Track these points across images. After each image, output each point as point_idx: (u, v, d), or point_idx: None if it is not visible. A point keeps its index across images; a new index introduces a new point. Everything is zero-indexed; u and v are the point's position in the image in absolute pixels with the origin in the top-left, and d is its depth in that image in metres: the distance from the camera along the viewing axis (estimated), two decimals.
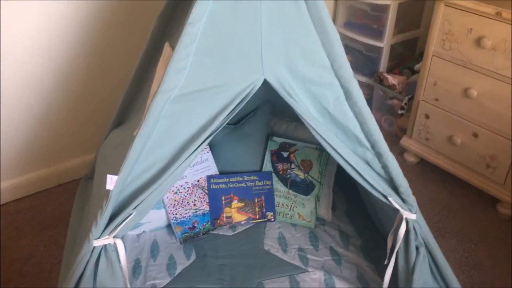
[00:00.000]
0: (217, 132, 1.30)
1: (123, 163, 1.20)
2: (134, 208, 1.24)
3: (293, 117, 2.08)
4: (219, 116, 1.27)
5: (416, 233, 1.37)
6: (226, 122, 1.30)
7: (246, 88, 1.27)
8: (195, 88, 1.24)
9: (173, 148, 1.27)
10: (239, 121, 2.06)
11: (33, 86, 2.06)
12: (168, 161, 1.27)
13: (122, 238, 1.30)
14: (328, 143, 1.33)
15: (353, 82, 1.29)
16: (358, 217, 1.97)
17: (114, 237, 1.25)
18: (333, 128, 1.34)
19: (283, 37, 1.25)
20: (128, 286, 1.31)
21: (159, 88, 1.21)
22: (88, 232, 1.22)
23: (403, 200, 1.37)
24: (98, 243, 1.22)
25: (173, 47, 1.23)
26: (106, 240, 1.23)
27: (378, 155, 1.34)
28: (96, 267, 1.24)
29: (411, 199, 1.37)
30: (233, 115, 1.29)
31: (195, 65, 1.22)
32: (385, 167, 1.35)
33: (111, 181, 1.19)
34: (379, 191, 1.36)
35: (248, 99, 1.28)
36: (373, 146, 1.34)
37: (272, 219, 1.94)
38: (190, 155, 1.27)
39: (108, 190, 1.20)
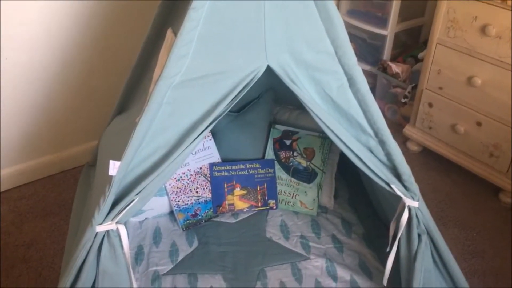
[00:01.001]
0: (219, 118, 1.29)
1: (126, 149, 1.20)
2: (137, 194, 1.24)
3: (296, 105, 2.08)
4: (222, 102, 1.26)
5: (418, 220, 1.37)
6: (228, 109, 1.30)
7: (249, 75, 1.26)
8: (197, 74, 1.24)
9: (175, 135, 1.27)
10: (242, 108, 2.05)
11: (36, 73, 2.05)
12: (171, 147, 1.26)
13: (125, 224, 1.30)
14: (332, 130, 1.32)
15: (357, 69, 1.28)
16: (361, 205, 1.97)
17: (117, 222, 1.25)
18: (336, 115, 1.33)
19: (287, 24, 1.24)
20: (131, 271, 1.32)
21: (161, 74, 1.20)
22: (91, 217, 1.23)
23: (406, 188, 1.36)
24: (100, 228, 1.22)
25: (175, 33, 1.22)
26: (108, 225, 1.23)
27: (382, 143, 1.34)
28: (99, 253, 1.25)
29: (414, 186, 1.36)
30: (236, 101, 1.29)
31: (197, 51, 1.21)
32: (388, 154, 1.35)
33: (114, 167, 1.19)
34: (382, 179, 1.36)
35: (251, 85, 1.28)
36: (376, 134, 1.34)
37: (274, 207, 1.94)
38: (193, 141, 1.26)
39: (111, 176, 1.20)
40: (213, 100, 1.27)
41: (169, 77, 1.20)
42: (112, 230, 1.24)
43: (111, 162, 1.19)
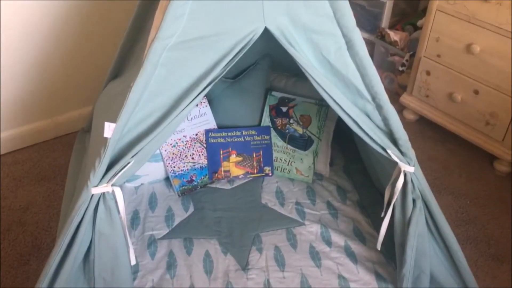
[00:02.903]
0: (215, 81, 1.28)
1: (121, 110, 1.19)
2: (132, 156, 1.24)
3: (292, 72, 2.06)
4: (218, 65, 1.24)
5: (413, 185, 1.37)
6: (225, 72, 1.28)
7: (246, 37, 1.24)
8: (194, 36, 1.21)
9: (171, 97, 1.25)
10: (238, 75, 2.03)
11: (31, 37, 2.02)
12: (167, 110, 1.25)
13: (120, 189, 1.30)
14: (329, 94, 1.31)
15: (355, 32, 1.26)
16: (356, 173, 1.98)
17: (113, 185, 1.25)
18: (333, 80, 1.32)
19: None
20: (127, 233, 1.32)
21: (156, 35, 1.18)
22: (87, 180, 1.22)
23: (402, 153, 1.36)
24: (96, 190, 1.22)
25: None
26: (104, 188, 1.23)
27: (379, 107, 1.33)
28: (95, 215, 1.25)
29: (410, 152, 1.36)
30: (232, 64, 1.27)
31: (194, 12, 1.18)
32: (385, 119, 1.34)
33: (109, 129, 1.18)
34: (378, 144, 1.36)
35: (248, 48, 1.26)
36: (373, 98, 1.33)
37: (270, 174, 1.94)
38: (189, 104, 1.25)
39: (106, 138, 1.19)
40: (210, 63, 1.25)
41: (165, 38, 1.18)
42: (107, 192, 1.24)
43: (106, 124, 1.18)
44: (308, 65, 1.28)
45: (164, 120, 1.25)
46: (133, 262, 1.40)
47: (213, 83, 1.27)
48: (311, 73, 1.28)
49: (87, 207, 1.23)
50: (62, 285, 1.26)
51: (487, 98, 2.05)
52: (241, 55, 1.26)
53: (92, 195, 1.22)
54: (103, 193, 1.24)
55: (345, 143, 2.09)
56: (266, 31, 1.25)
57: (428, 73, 2.24)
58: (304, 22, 1.25)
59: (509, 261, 1.75)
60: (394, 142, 1.36)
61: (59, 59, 2.14)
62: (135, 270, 1.57)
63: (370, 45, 2.69)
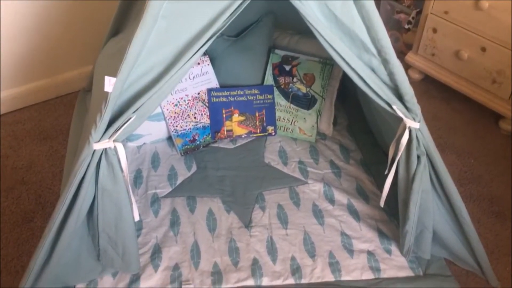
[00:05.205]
0: (217, 35, 1.25)
1: (121, 64, 1.16)
2: (134, 112, 1.22)
3: (296, 30, 2.02)
4: (220, 17, 1.21)
5: (418, 142, 1.36)
6: (227, 25, 1.24)
7: None
8: None
9: (172, 51, 1.22)
10: (241, 33, 1.99)
11: None
12: (168, 64, 1.23)
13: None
14: (334, 48, 1.28)
15: None
16: (359, 132, 1.97)
17: (114, 141, 1.24)
18: (339, 33, 1.29)
19: None
20: (130, 189, 1.32)
21: None
22: (88, 136, 1.21)
23: (407, 109, 1.34)
24: (98, 146, 1.21)
25: None
26: (106, 143, 1.22)
27: (385, 62, 1.30)
28: (97, 171, 1.24)
29: (416, 107, 1.34)
30: (235, 17, 1.23)
31: None
32: (391, 74, 1.31)
33: (109, 83, 1.15)
34: (383, 99, 1.33)
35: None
36: (379, 52, 1.30)
37: (273, 133, 1.93)
38: (190, 59, 1.22)
39: (107, 94, 1.17)
40: (211, 15, 1.21)
41: None
42: (109, 148, 1.23)
43: (107, 78, 1.16)
44: (314, 19, 1.24)
45: (165, 75, 1.22)
46: (136, 218, 1.40)
47: (214, 37, 1.23)
48: (316, 26, 1.25)
49: (90, 162, 1.22)
50: (67, 240, 1.27)
51: (495, 55, 2.01)
52: (243, 7, 1.22)
53: (94, 150, 1.21)
54: (105, 149, 1.23)
55: (349, 103, 2.07)
56: None
57: (434, 30, 2.19)
58: None
59: None
60: (400, 97, 1.34)
61: (59, 17, 2.09)
62: (138, 227, 1.58)
63: (376, 3, 2.62)
